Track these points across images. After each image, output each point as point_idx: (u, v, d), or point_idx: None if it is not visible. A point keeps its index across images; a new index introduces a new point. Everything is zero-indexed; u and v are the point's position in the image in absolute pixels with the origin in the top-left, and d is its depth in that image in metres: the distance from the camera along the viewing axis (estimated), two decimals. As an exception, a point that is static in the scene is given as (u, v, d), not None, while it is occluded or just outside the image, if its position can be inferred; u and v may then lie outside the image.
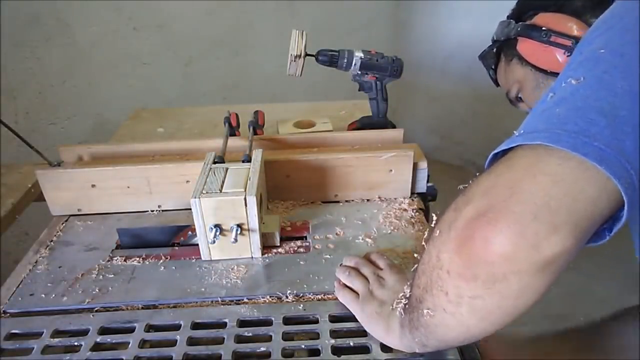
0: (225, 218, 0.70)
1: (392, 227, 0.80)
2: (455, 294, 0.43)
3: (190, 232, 0.77)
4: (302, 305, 0.65)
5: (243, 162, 0.79)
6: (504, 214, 0.39)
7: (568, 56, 0.70)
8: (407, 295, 0.52)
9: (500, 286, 0.40)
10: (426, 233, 0.49)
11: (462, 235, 0.41)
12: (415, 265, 0.50)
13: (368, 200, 0.88)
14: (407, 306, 0.51)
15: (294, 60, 0.91)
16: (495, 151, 0.45)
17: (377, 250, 0.73)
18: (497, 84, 0.89)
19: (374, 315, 0.57)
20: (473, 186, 0.44)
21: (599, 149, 0.37)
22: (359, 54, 0.95)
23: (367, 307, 0.59)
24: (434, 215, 0.49)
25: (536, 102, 0.64)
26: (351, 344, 0.59)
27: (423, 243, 0.49)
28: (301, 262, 0.73)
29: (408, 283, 0.53)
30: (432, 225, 0.48)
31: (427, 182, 0.89)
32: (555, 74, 0.70)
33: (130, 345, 0.60)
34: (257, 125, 0.98)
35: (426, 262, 0.46)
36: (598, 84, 0.41)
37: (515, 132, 0.44)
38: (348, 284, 0.64)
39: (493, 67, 0.87)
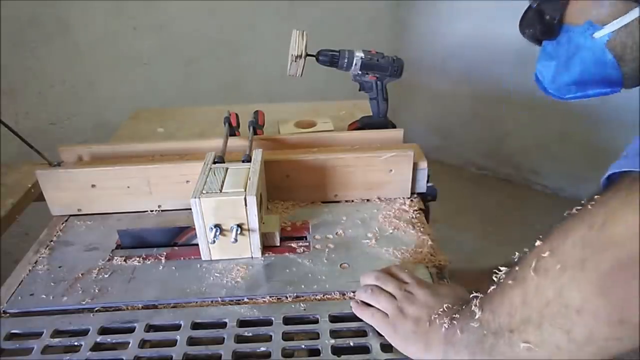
0: (225, 218, 0.70)
1: (392, 227, 0.80)
2: (585, 333, 0.40)
3: (190, 234, 0.77)
4: (302, 305, 0.65)
5: (243, 162, 0.79)
6: None
7: None
8: (475, 318, 0.48)
9: None
10: (527, 262, 0.44)
11: (610, 281, 0.38)
12: (492, 288, 0.47)
13: (368, 200, 0.88)
14: (465, 325, 0.48)
15: (295, 61, 0.91)
16: (622, 169, 0.41)
17: (394, 264, 0.70)
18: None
19: (409, 335, 0.55)
20: (609, 221, 0.39)
21: None
22: (359, 54, 0.95)
23: (400, 326, 0.57)
24: (538, 241, 0.45)
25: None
26: (351, 344, 0.59)
27: (528, 273, 0.44)
28: (301, 262, 0.73)
29: (462, 303, 0.50)
30: (541, 255, 0.43)
31: (427, 182, 0.89)
32: None
33: (130, 345, 0.60)
34: (257, 125, 0.98)
35: (532, 295, 0.43)
36: None
37: None
38: (373, 304, 0.61)
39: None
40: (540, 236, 0.45)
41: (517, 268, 0.46)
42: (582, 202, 0.42)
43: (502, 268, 0.47)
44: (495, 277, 0.47)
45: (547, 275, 0.42)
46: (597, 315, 0.39)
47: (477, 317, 0.48)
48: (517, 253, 0.47)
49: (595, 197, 0.41)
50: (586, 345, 0.40)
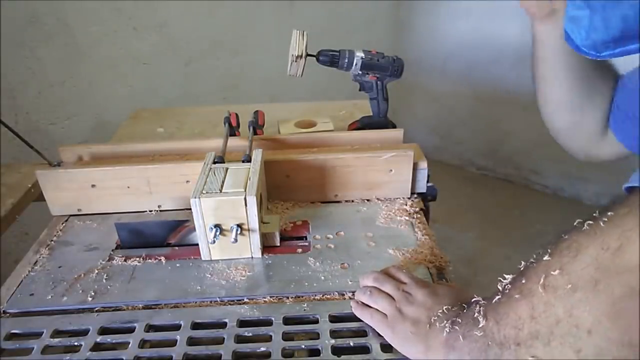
0: (226, 218, 0.70)
1: (392, 227, 0.80)
2: (595, 353, 0.39)
3: (188, 228, 0.77)
4: (302, 305, 0.65)
5: (243, 162, 0.79)
6: None
7: None
8: (479, 326, 0.47)
9: None
10: (535, 276, 0.43)
11: (623, 306, 0.38)
12: (497, 297, 0.47)
13: (368, 200, 0.88)
14: (467, 332, 0.48)
15: (295, 61, 0.91)
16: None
17: (394, 264, 0.70)
18: None
19: (408, 336, 0.55)
20: (625, 245, 0.38)
21: None
22: (359, 54, 0.95)
23: (399, 327, 0.56)
24: (546, 255, 0.43)
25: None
26: (351, 344, 0.59)
27: (537, 289, 0.43)
28: (301, 262, 0.73)
29: (461, 305, 0.49)
30: (550, 272, 0.42)
31: (427, 182, 0.89)
32: None
33: (130, 345, 0.60)
34: (257, 125, 0.98)
35: (540, 311, 0.42)
36: None
37: None
38: (372, 305, 0.61)
39: None
40: (548, 249, 0.44)
41: (523, 280, 0.45)
42: (594, 214, 0.41)
43: (507, 276, 0.46)
44: (500, 285, 0.46)
45: (556, 293, 0.42)
46: (607, 337, 0.39)
47: (480, 325, 0.47)
48: (522, 262, 0.46)
49: (609, 213, 0.40)
50: None
